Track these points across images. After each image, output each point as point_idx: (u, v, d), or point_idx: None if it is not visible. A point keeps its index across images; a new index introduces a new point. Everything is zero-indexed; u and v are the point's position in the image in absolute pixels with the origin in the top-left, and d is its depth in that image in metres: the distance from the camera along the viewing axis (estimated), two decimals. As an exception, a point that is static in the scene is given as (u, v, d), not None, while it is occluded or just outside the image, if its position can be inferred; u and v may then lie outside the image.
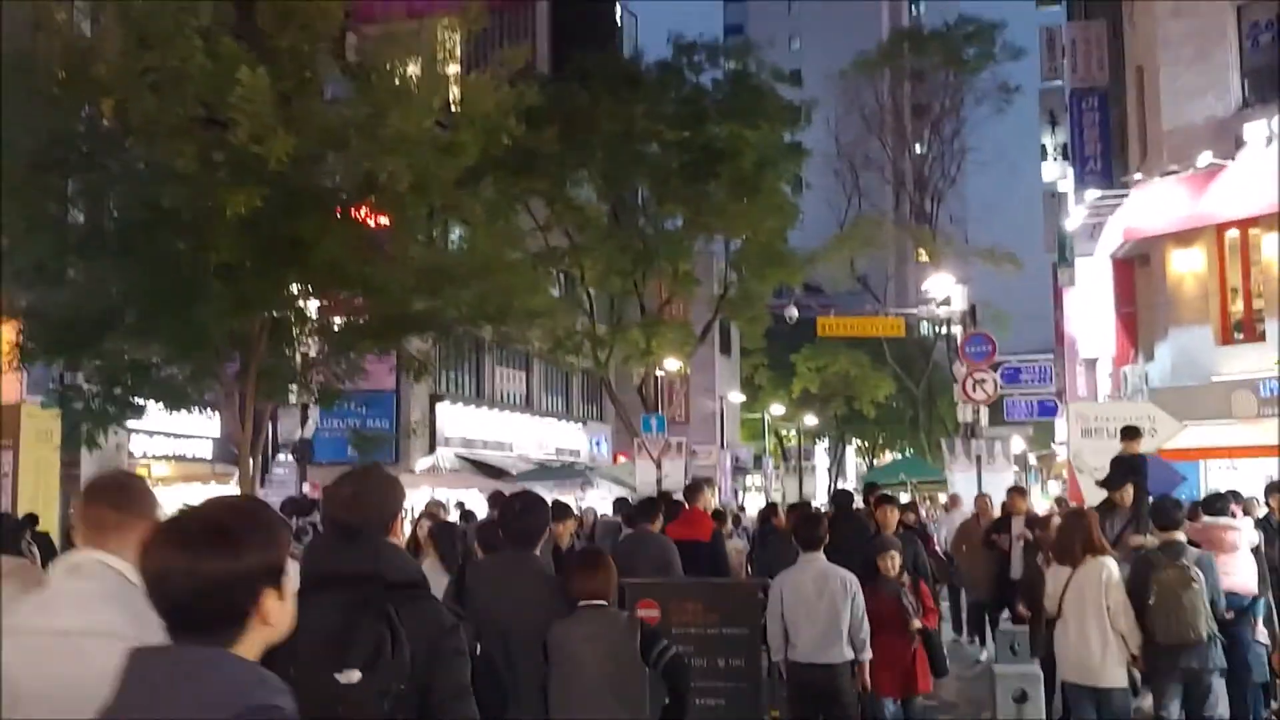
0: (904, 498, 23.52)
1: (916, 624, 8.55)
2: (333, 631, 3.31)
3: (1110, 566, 7.59)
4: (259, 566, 2.19)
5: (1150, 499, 12.31)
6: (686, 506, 11.47)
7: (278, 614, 2.22)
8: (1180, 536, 8.01)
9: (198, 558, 2.14)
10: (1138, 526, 10.87)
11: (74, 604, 3.13)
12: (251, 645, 2.20)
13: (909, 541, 10.26)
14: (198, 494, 21.53)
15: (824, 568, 7.81)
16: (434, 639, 3.40)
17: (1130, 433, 13.05)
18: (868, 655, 7.77)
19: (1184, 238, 20.00)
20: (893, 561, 8.62)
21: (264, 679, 2.14)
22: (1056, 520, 10.34)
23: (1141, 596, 7.62)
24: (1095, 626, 7.44)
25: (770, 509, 16.51)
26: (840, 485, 59.99)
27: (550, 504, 6.53)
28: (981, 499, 15.71)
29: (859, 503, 14.60)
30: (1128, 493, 11.36)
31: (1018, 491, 14.70)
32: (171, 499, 21.27)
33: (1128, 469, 12.35)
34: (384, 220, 14.66)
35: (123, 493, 3.39)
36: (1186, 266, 20.14)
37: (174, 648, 2.14)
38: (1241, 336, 19.58)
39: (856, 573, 8.06)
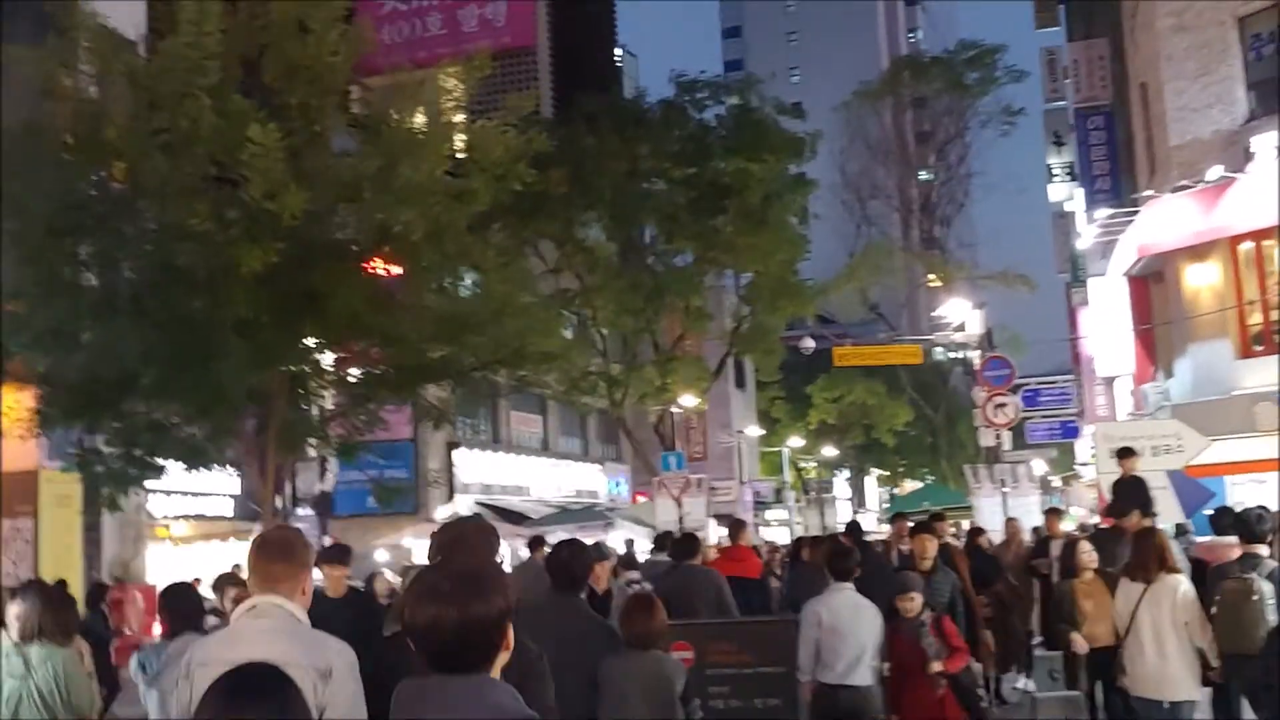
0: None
1: (936, 667, 8.01)
2: None
3: (1185, 583, 7.68)
4: (505, 607, 2.71)
5: (1152, 519, 12.07)
6: (731, 544, 11.57)
7: (511, 639, 2.75)
8: (1262, 550, 7.91)
9: (464, 607, 2.64)
10: None
11: (256, 638, 3.80)
12: (497, 669, 2.72)
13: (946, 576, 9.68)
14: (219, 552, 21.47)
15: (855, 597, 8.07)
16: (524, 666, 3.69)
17: (1126, 453, 12.81)
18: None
19: (1198, 252, 19.91)
20: (913, 603, 8.21)
21: (517, 696, 2.70)
22: (1085, 544, 10.10)
23: (1209, 606, 7.65)
24: (1173, 642, 7.54)
25: (798, 543, 16.53)
26: (861, 515, 59.71)
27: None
28: (1012, 523, 15.44)
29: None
30: (1134, 519, 11.10)
31: (1055, 514, 14.50)
32: (193, 558, 20.99)
33: (1129, 493, 12.09)
34: (398, 270, 14.64)
35: (289, 548, 4.14)
36: (1202, 281, 20.03)
37: (449, 678, 2.64)
38: (1261, 349, 19.41)
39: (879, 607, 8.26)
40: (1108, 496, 15.36)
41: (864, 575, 8.92)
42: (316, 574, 11.57)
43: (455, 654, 2.64)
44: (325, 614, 6.63)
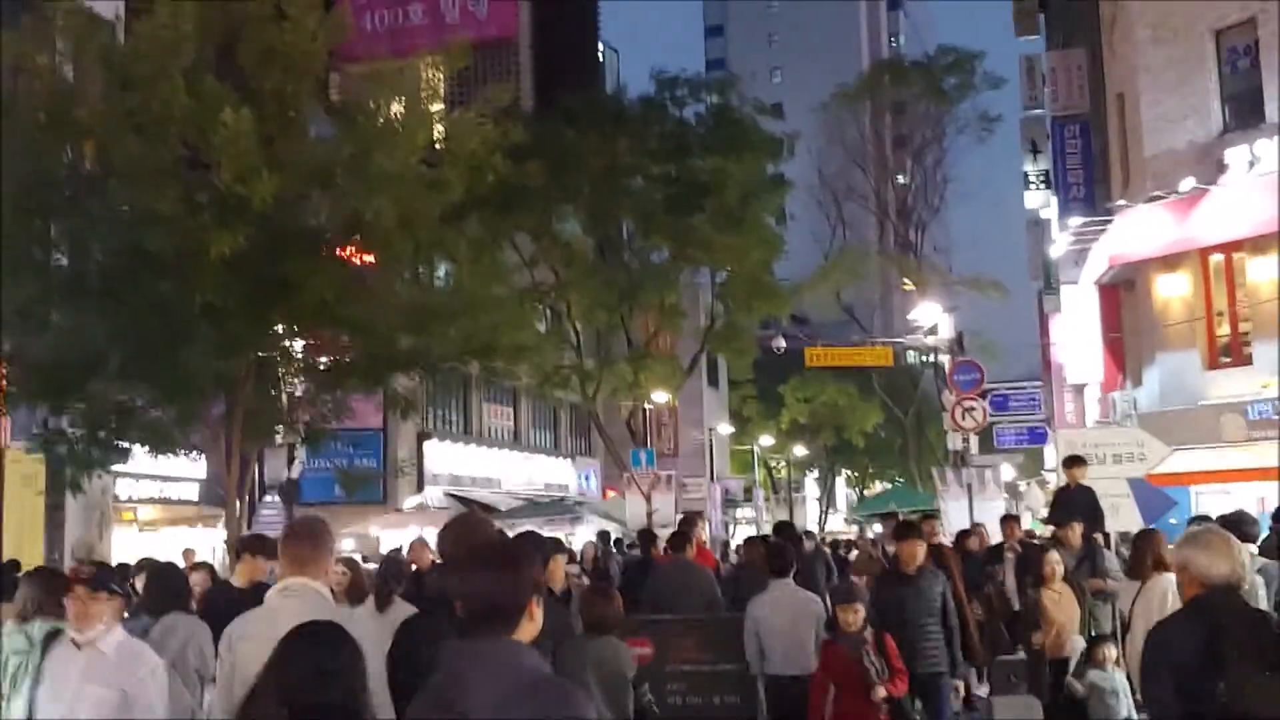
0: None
1: (881, 693, 7.36)
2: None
3: (1173, 584, 7.72)
4: (532, 578, 3.05)
5: (1104, 531, 12.00)
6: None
7: (538, 614, 3.04)
8: (1252, 548, 8.06)
9: (497, 573, 3.00)
10: (1093, 568, 10.36)
11: (289, 616, 3.97)
12: (525, 635, 3.00)
13: (935, 579, 8.98)
14: (184, 537, 21.31)
15: (793, 592, 8.54)
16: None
17: (1072, 461, 12.61)
18: None
19: (1169, 263, 20.05)
20: (855, 615, 7.58)
21: (541, 658, 2.97)
22: (1053, 554, 10.07)
23: None
24: None
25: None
26: (831, 515, 59.88)
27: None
28: (979, 530, 15.33)
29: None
30: (1074, 530, 10.89)
31: (1014, 520, 14.47)
32: (158, 543, 20.74)
33: (1071, 505, 11.80)
34: (370, 258, 14.59)
35: (315, 535, 4.68)
36: (1172, 291, 20.18)
37: (483, 640, 2.92)
38: (1229, 360, 19.58)
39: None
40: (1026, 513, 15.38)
41: (798, 572, 9.11)
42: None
43: (484, 614, 2.94)
44: (219, 608, 6.59)
